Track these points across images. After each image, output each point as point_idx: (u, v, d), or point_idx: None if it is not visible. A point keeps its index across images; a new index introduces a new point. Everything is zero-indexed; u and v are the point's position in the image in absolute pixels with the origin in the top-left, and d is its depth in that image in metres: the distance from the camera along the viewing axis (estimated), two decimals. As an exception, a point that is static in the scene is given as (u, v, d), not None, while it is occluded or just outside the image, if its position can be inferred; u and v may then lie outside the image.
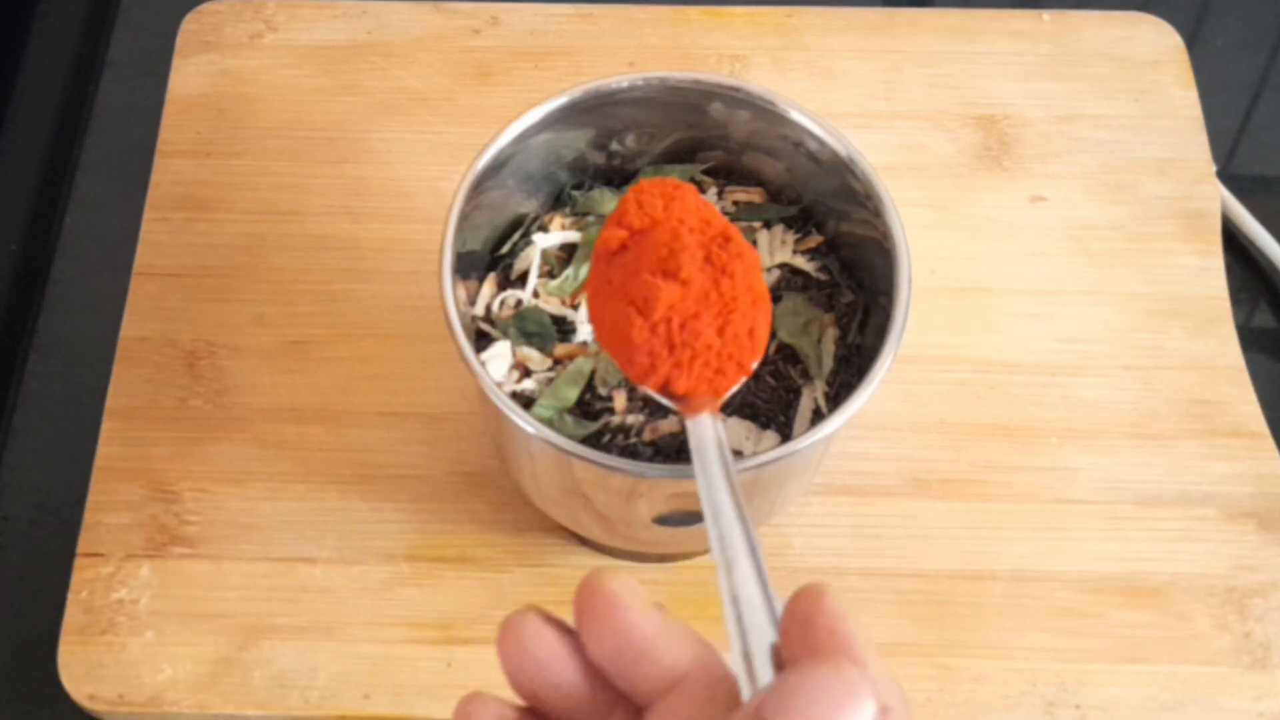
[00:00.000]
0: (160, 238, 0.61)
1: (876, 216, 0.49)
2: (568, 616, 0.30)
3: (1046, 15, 0.68)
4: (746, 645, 0.29)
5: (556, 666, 0.29)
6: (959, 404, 0.58)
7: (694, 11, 0.68)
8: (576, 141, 0.52)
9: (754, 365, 0.41)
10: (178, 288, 0.60)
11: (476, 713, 0.29)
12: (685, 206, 0.42)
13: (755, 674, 0.28)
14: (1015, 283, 0.61)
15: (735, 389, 0.41)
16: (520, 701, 0.30)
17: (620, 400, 0.49)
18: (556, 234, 0.52)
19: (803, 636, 0.28)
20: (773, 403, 0.50)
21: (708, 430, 0.37)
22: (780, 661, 0.28)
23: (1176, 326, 0.60)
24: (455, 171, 0.49)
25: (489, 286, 0.52)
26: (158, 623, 0.53)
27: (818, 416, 0.50)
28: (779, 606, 0.29)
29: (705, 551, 0.54)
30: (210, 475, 0.56)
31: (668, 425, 0.49)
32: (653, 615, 0.28)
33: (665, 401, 0.41)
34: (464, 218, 0.48)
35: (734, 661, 0.29)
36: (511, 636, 0.29)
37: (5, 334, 0.62)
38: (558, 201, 0.54)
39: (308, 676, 0.52)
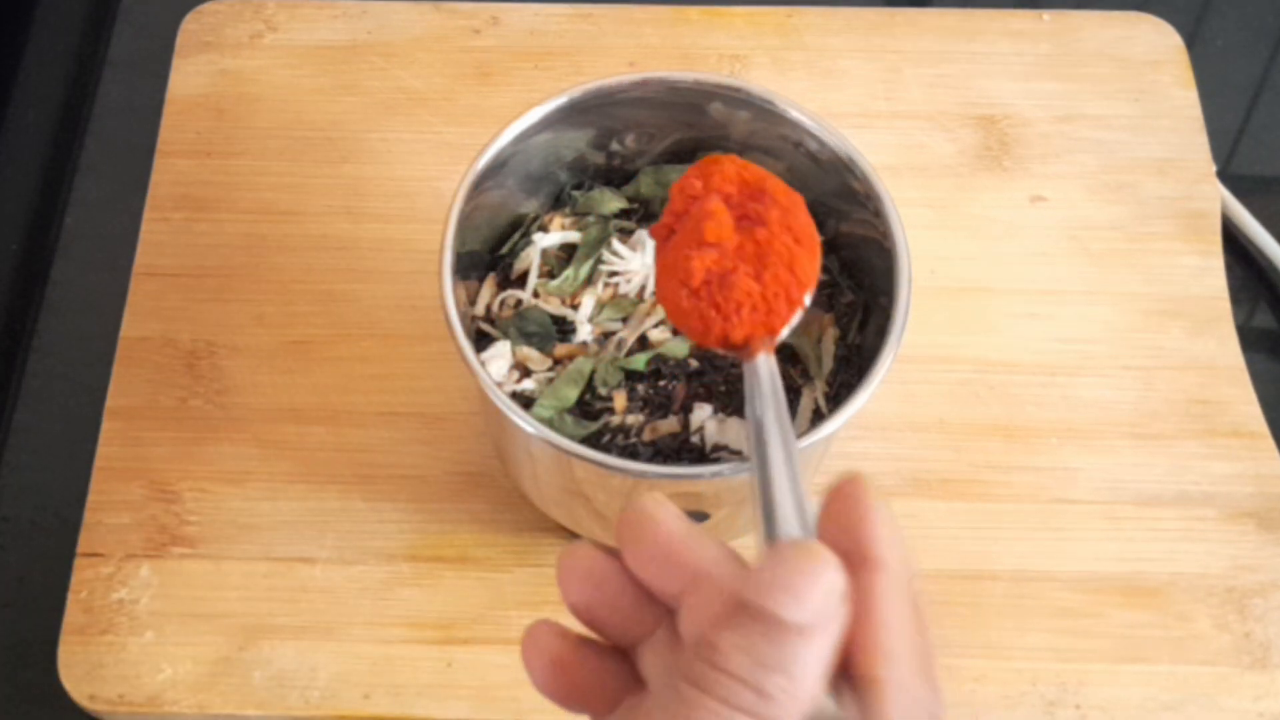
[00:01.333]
0: (160, 238, 0.61)
1: (876, 216, 0.49)
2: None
3: (1046, 15, 0.68)
4: (774, 534, 0.31)
5: (605, 582, 0.32)
6: (959, 404, 0.58)
7: (694, 11, 0.68)
8: (576, 141, 0.52)
9: (805, 297, 0.42)
10: (178, 288, 0.60)
11: (539, 632, 0.32)
12: (724, 176, 0.44)
13: None
14: (1015, 283, 0.61)
15: (794, 322, 0.42)
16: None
17: (620, 400, 0.49)
18: (556, 234, 0.52)
19: (832, 527, 0.30)
20: (773, 403, 0.50)
21: (762, 368, 0.39)
22: None
23: (1176, 326, 0.60)
24: (455, 171, 0.49)
25: (489, 286, 0.52)
26: (158, 623, 0.53)
27: (818, 416, 0.50)
28: (810, 510, 0.32)
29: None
30: (210, 475, 0.56)
31: (667, 425, 0.49)
32: (681, 523, 0.31)
33: (732, 355, 0.42)
34: (464, 218, 0.48)
35: (758, 549, 0.31)
36: (568, 558, 0.32)
37: (5, 334, 0.62)
38: (558, 201, 0.54)
39: (308, 676, 0.52)
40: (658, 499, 0.32)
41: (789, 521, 0.32)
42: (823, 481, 0.55)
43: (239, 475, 0.56)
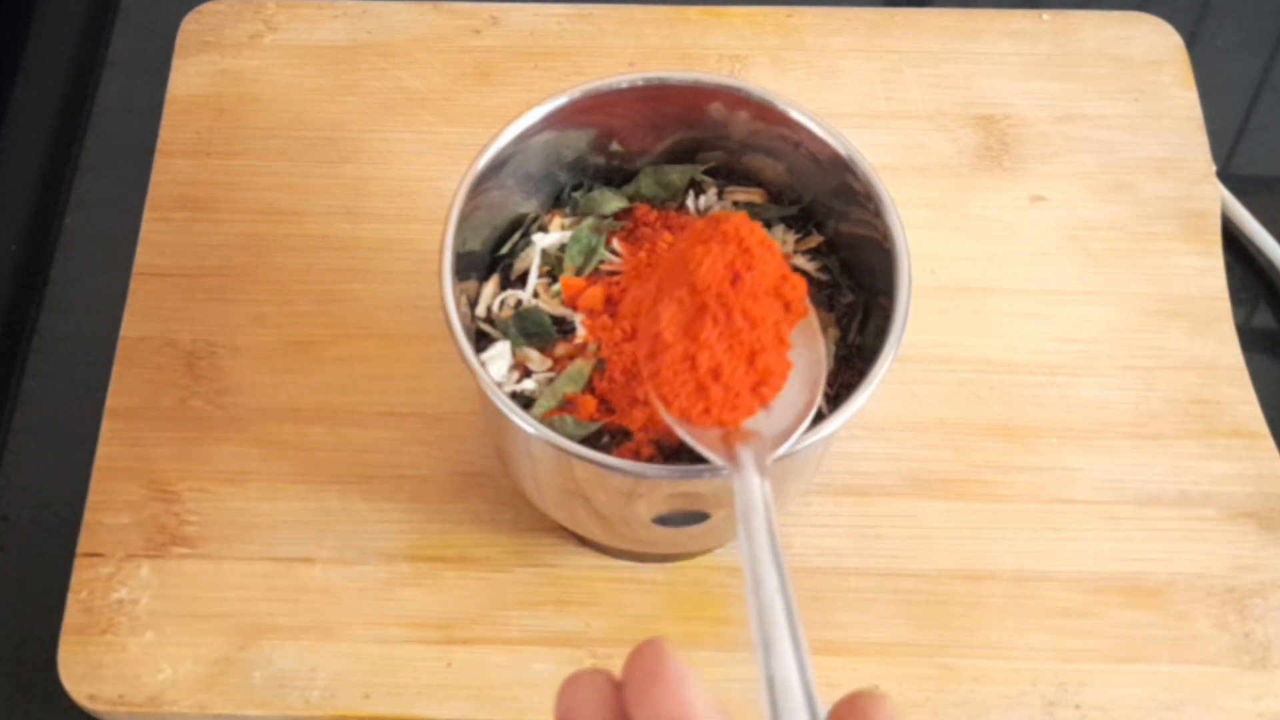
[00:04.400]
0: (160, 238, 0.61)
1: (876, 216, 0.49)
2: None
3: (1046, 15, 0.68)
4: None
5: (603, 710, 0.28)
6: (959, 404, 0.58)
7: (694, 11, 0.68)
8: (576, 141, 0.52)
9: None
10: (178, 288, 0.60)
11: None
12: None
13: None
14: (1015, 283, 0.61)
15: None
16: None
17: (620, 400, 0.49)
18: (556, 234, 0.52)
19: None
20: (773, 403, 0.50)
21: (755, 492, 0.36)
22: None
23: (1176, 326, 0.60)
24: (455, 171, 0.49)
25: (489, 287, 0.52)
26: (158, 623, 0.53)
27: (818, 416, 0.49)
28: (817, 693, 0.28)
29: (705, 552, 0.54)
30: (210, 475, 0.56)
31: (668, 425, 0.49)
32: (693, 689, 0.28)
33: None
34: (464, 218, 0.48)
35: None
36: (573, 679, 0.29)
37: (5, 334, 0.62)
38: (558, 201, 0.54)
39: (308, 676, 0.52)
40: (681, 667, 0.28)
41: (797, 712, 0.28)
42: (821, 481, 0.56)
43: (239, 475, 0.56)
